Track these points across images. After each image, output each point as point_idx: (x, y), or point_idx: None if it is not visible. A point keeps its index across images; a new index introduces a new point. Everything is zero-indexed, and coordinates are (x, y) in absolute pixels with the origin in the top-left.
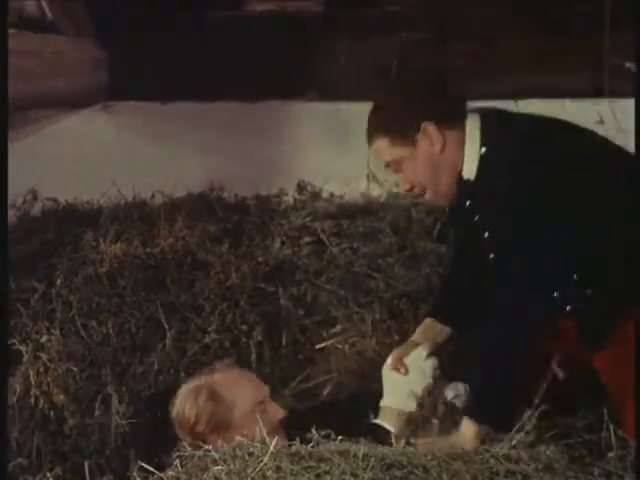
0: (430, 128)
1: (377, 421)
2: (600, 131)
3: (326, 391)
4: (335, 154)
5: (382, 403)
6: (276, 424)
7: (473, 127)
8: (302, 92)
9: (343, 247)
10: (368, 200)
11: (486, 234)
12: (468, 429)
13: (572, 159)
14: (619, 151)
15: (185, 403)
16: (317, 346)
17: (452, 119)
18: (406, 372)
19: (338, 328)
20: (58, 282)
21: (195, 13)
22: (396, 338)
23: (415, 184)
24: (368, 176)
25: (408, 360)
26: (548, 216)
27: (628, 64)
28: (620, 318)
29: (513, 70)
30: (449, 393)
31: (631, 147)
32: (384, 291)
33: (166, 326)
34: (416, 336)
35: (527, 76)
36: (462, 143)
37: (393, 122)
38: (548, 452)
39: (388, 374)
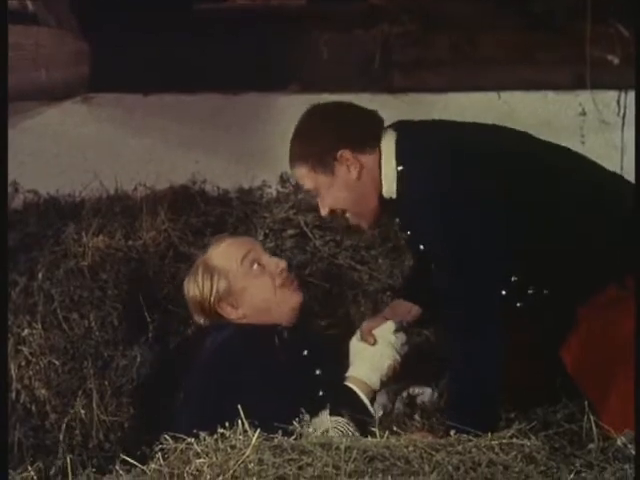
0: (346, 155)
1: (349, 384)
2: (582, 123)
3: None
4: None
5: (348, 373)
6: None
7: (389, 145)
8: (284, 84)
9: (326, 239)
10: None
11: (421, 247)
12: None
13: (490, 159)
14: (540, 146)
15: (189, 285)
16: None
17: (368, 143)
18: (374, 342)
19: (323, 323)
20: (39, 275)
21: (178, 5)
22: None
23: (335, 208)
24: None
25: (377, 332)
26: (474, 221)
27: (610, 56)
28: (573, 313)
29: (495, 63)
30: (415, 389)
31: (615, 139)
32: (367, 284)
33: (148, 319)
34: (386, 312)
35: (509, 68)
36: (379, 164)
37: (312, 149)
38: (529, 444)
39: (356, 344)
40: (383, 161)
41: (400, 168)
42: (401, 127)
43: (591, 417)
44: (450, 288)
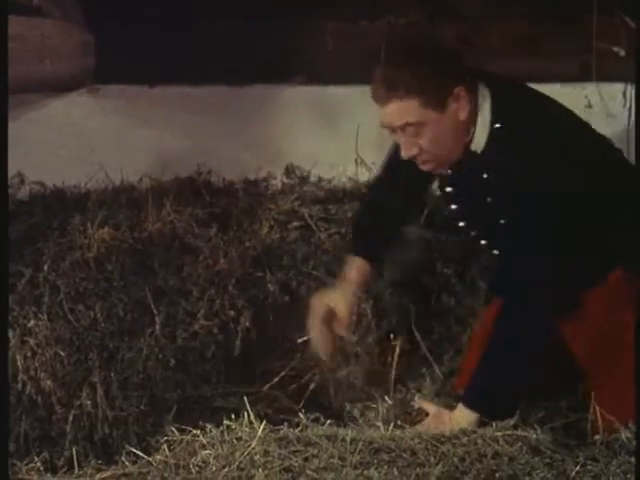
0: (462, 93)
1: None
2: (589, 115)
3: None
4: (323, 138)
5: None
6: None
7: (484, 98)
8: (290, 76)
9: (331, 232)
10: (356, 184)
11: (489, 199)
12: (462, 417)
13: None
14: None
15: None
16: (299, 340)
17: (472, 86)
18: None
19: None
20: (45, 267)
21: None
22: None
23: (423, 150)
24: (356, 160)
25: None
26: (558, 198)
27: (616, 48)
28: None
29: (501, 54)
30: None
31: (622, 131)
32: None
33: (155, 311)
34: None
35: (515, 60)
36: (476, 113)
37: (427, 82)
38: (535, 436)
39: None
40: (479, 110)
41: (497, 125)
42: (496, 81)
43: (597, 409)
44: (519, 259)
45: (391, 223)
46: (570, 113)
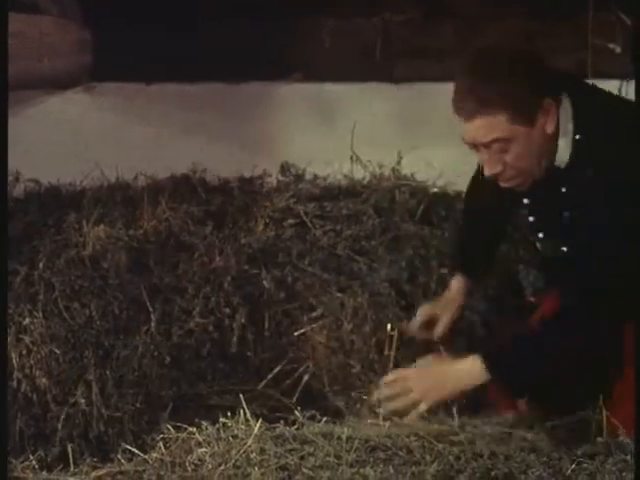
0: (551, 107)
1: None
2: None
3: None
4: (319, 135)
5: None
6: None
7: (566, 108)
8: (286, 73)
9: (326, 229)
10: (351, 182)
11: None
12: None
13: None
14: None
15: None
16: (295, 333)
17: (558, 97)
18: None
19: (318, 312)
20: (40, 265)
21: None
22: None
23: (508, 167)
24: (352, 158)
25: None
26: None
27: (611, 45)
28: None
29: None
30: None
31: None
32: (367, 275)
33: (150, 308)
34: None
35: None
36: (558, 125)
37: (519, 96)
38: (530, 435)
39: None
40: (562, 124)
41: (578, 137)
42: (575, 89)
43: (604, 411)
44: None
45: (488, 242)
46: None
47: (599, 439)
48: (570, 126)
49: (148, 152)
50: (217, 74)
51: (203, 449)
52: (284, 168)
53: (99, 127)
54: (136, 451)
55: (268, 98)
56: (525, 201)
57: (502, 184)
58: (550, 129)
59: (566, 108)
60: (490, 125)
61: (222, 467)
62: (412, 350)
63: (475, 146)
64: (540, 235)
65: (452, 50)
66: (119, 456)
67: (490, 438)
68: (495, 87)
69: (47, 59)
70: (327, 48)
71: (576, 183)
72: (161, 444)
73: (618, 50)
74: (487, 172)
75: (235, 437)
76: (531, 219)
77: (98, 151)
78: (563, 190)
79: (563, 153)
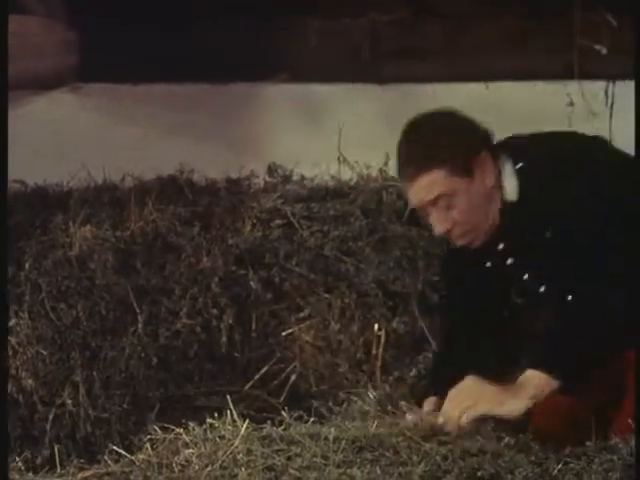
0: (487, 158)
1: None
2: (570, 113)
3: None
4: (306, 136)
5: None
6: None
7: (505, 162)
8: (273, 74)
9: (313, 230)
10: (339, 183)
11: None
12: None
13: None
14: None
15: None
16: (283, 333)
17: (495, 154)
18: None
19: (305, 313)
20: (27, 265)
21: None
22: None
23: (457, 223)
24: (339, 158)
25: None
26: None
27: (598, 46)
28: None
29: (484, 52)
30: None
31: (603, 129)
32: (354, 276)
33: (137, 310)
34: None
35: (498, 58)
36: (501, 179)
37: (451, 150)
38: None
39: None
40: (503, 176)
41: (519, 165)
42: (512, 146)
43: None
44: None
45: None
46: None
47: (588, 443)
48: (511, 169)
49: (135, 153)
50: (203, 75)
51: (190, 450)
52: (271, 169)
53: (85, 128)
54: (123, 452)
55: (255, 99)
56: (500, 246)
57: (456, 242)
58: (490, 181)
59: (506, 161)
60: (431, 183)
61: (209, 468)
62: (399, 350)
63: (424, 209)
64: (525, 277)
65: (440, 50)
66: (106, 457)
67: (478, 437)
68: (429, 148)
69: (32, 60)
70: (314, 48)
71: (536, 209)
72: (148, 445)
73: (604, 51)
74: (438, 230)
75: (222, 438)
76: (510, 261)
77: (85, 152)
78: (531, 217)
79: (511, 188)
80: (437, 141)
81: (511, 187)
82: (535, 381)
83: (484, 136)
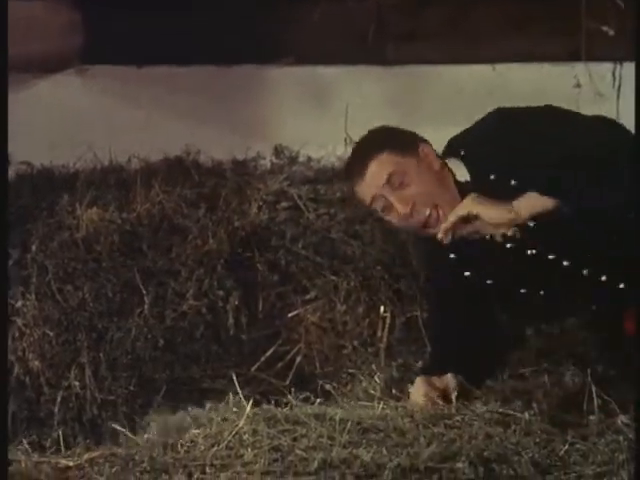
0: (428, 148)
1: None
2: (577, 95)
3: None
4: (312, 118)
5: None
6: None
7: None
8: (278, 56)
9: (320, 212)
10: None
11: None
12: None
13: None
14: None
15: None
16: (289, 314)
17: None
18: None
19: (311, 295)
20: (33, 247)
21: None
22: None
23: (418, 202)
24: (345, 140)
25: None
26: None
27: (605, 28)
28: None
29: (490, 34)
30: None
31: (611, 111)
32: (360, 258)
33: (143, 291)
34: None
35: (504, 40)
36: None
37: (395, 137)
38: (527, 416)
39: None
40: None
41: (462, 152)
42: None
43: (593, 388)
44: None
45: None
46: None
47: (591, 417)
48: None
49: (140, 135)
50: (209, 57)
51: (195, 430)
52: (277, 151)
53: (91, 110)
54: (128, 434)
55: (260, 81)
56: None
57: (430, 232)
58: (436, 165)
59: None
60: (380, 164)
61: (214, 448)
62: (404, 332)
63: (380, 197)
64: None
65: (446, 33)
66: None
67: (485, 420)
68: (372, 141)
69: (37, 42)
70: (319, 31)
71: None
72: (153, 425)
73: (611, 33)
74: (401, 211)
75: (225, 420)
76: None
77: (90, 134)
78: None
79: (461, 173)
80: (379, 135)
81: (460, 171)
82: (531, 198)
83: (421, 137)
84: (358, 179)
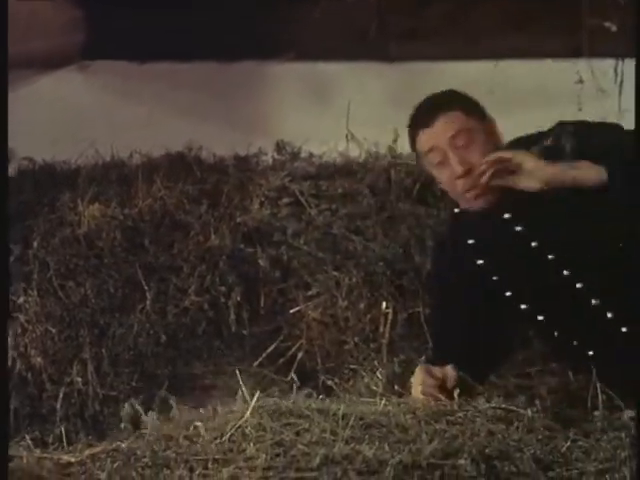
0: (494, 122)
1: None
2: (580, 91)
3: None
4: (314, 114)
5: None
6: None
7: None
8: (280, 52)
9: (322, 208)
10: (347, 160)
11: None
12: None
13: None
14: None
15: None
16: (291, 310)
17: None
18: None
19: (313, 291)
20: (35, 243)
21: None
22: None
23: (476, 166)
24: (347, 136)
25: None
26: None
27: (607, 24)
28: None
29: (492, 31)
30: None
31: (613, 107)
32: (362, 254)
33: (145, 287)
34: None
35: (505, 37)
36: None
37: (467, 102)
38: (530, 413)
39: None
40: None
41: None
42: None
43: (597, 385)
44: None
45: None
46: None
47: (596, 413)
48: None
49: (142, 131)
50: (210, 53)
51: (199, 423)
52: (279, 147)
53: (93, 106)
54: (130, 428)
55: (262, 77)
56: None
57: (469, 199)
58: (497, 139)
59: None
60: (450, 120)
61: (217, 441)
62: (406, 328)
63: (440, 153)
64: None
65: (447, 30)
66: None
67: (487, 417)
68: (445, 95)
69: (39, 39)
70: (320, 27)
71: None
72: (154, 417)
73: (613, 29)
74: (457, 170)
75: (231, 411)
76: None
77: (92, 130)
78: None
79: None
80: (452, 94)
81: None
82: (584, 165)
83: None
84: (423, 127)
